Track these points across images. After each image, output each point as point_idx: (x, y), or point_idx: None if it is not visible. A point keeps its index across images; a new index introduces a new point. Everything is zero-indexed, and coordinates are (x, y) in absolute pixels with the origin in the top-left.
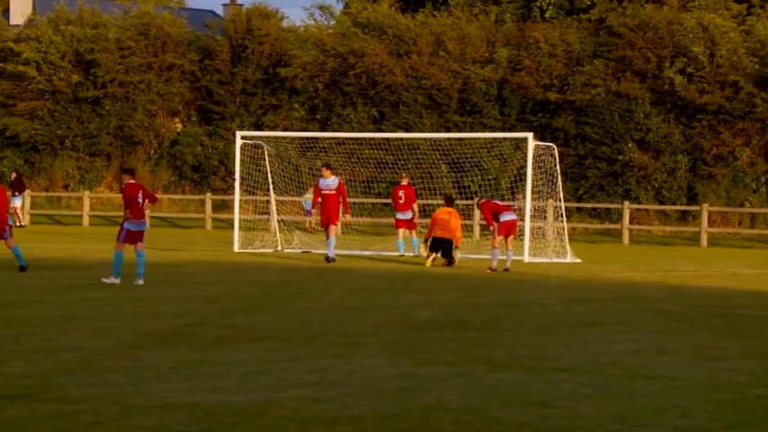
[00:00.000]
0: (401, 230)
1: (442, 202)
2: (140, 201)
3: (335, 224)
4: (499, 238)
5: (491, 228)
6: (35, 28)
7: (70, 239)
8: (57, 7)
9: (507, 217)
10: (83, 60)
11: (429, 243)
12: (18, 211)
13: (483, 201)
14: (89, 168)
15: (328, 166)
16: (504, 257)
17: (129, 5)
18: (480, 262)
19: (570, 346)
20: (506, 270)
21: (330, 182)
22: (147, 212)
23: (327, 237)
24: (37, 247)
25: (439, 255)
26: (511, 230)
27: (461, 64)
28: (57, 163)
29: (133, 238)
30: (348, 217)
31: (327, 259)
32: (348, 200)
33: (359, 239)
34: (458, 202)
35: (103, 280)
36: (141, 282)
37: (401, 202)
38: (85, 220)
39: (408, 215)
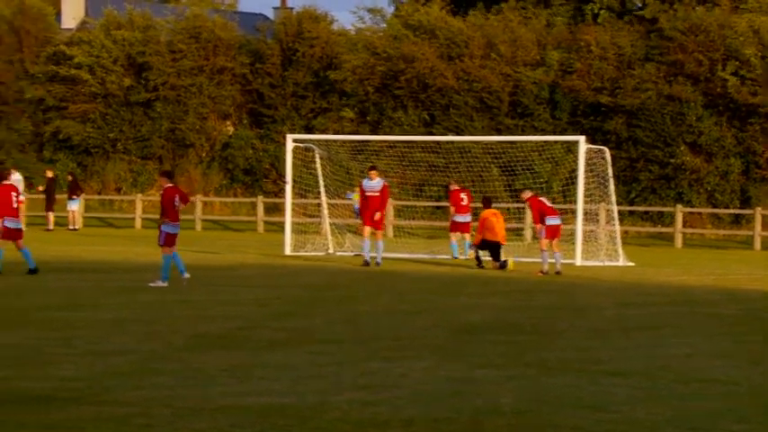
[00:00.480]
0: (457, 234)
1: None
2: (177, 204)
3: (381, 229)
4: (546, 241)
5: (537, 226)
6: (87, 32)
7: (122, 242)
8: (107, 12)
9: (553, 221)
10: (134, 64)
11: (478, 246)
12: (75, 214)
13: (532, 196)
14: (141, 171)
15: (374, 168)
16: (554, 260)
17: (181, 9)
18: (532, 265)
19: (623, 350)
20: (558, 273)
21: (374, 184)
22: None
23: (375, 241)
24: (89, 250)
25: (490, 258)
26: (556, 234)
27: (512, 66)
28: (109, 166)
29: (173, 240)
30: (378, 214)
31: (376, 263)
32: (389, 201)
33: (410, 243)
34: (509, 205)
35: (150, 284)
36: (188, 275)
37: (463, 203)
38: (138, 223)
39: (468, 218)
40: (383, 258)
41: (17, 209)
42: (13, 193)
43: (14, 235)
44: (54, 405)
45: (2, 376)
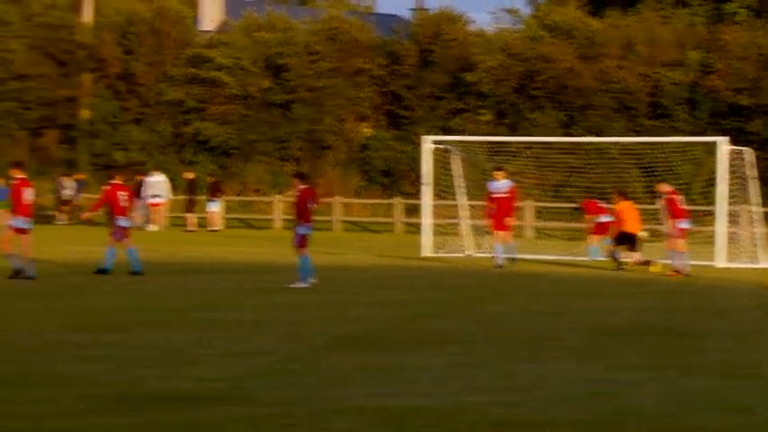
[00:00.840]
0: (597, 236)
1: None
2: (310, 205)
3: (508, 229)
4: (681, 242)
5: (671, 221)
6: (227, 33)
7: (262, 243)
8: (247, 14)
9: (685, 224)
10: (272, 65)
11: (616, 239)
12: (215, 215)
13: (672, 191)
14: (279, 173)
15: (500, 169)
16: (670, 260)
17: (318, 11)
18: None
19: (765, 352)
20: (675, 273)
21: (501, 185)
22: None
23: (501, 242)
24: (229, 251)
25: (637, 256)
26: (685, 236)
27: (651, 67)
28: (248, 167)
29: (306, 241)
30: (509, 220)
31: (511, 259)
32: (517, 204)
33: (549, 244)
34: (648, 207)
35: (290, 285)
36: (313, 280)
37: (600, 205)
38: (277, 224)
39: (610, 217)
40: (517, 259)
41: (125, 207)
42: (121, 193)
43: (124, 233)
44: (195, 405)
45: (144, 376)
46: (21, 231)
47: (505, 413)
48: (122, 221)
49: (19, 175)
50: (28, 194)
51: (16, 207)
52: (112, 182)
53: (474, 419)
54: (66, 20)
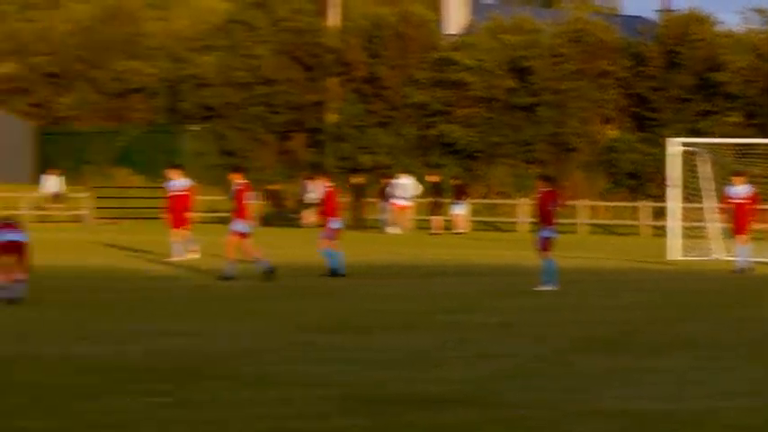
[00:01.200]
0: None
1: None
2: (552, 208)
3: (744, 233)
4: None
5: None
6: (472, 35)
7: (507, 246)
8: (492, 15)
9: None
10: (516, 67)
11: None
12: (460, 218)
13: None
14: (524, 175)
15: (739, 174)
16: None
17: (563, 12)
18: None
19: None
20: None
21: (739, 190)
22: None
23: (743, 246)
24: (474, 254)
25: None
26: None
27: None
28: (492, 170)
29: (552, 244)
30: (749, 225)
31: (737, 270)
32: (756, 208)
33: None
34: None
35: (535, 288)
36: (545, 287)
37: None
38: (522, 227)
39: None
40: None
41: (339, 209)
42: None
43: (336, 235)
44: (440, 407)
45: (388, 378)
46: (243, 236)
47: (754, 419)
48: (335, 223)
49: (240, 180)
50: (249, 199)
51: (239, 211)
52: (330, 186)
53: (722, 425)
54: (313, 24)
